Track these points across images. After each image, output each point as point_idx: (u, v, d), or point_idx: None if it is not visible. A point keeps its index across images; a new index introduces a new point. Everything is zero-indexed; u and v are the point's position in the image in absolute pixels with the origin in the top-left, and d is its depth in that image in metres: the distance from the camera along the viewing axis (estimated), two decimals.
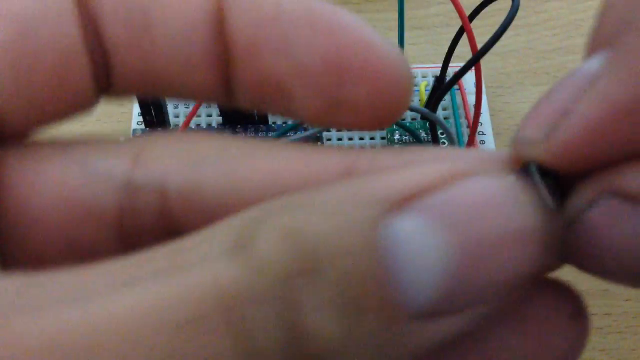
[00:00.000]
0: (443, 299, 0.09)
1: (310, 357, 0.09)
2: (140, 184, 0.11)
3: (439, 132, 0.30)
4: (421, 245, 0.09)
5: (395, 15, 0.27)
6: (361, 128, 0.12)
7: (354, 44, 0.11)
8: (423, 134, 0.31)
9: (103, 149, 0.12)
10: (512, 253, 0.09)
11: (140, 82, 0.12)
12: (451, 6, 0.25)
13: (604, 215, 0.10)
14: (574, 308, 0.11)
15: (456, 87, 0.33)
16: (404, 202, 0.09)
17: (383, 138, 0.32)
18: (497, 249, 0.09)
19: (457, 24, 0.26)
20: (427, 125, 0.31)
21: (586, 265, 0.11)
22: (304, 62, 0.11)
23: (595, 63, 0.10)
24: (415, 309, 0.09)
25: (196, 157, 0.11)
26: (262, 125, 0.32)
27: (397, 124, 0.30)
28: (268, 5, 0.11)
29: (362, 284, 0.09)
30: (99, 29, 0.11)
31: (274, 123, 0.32)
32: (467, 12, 0.25)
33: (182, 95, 0.12)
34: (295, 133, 0.30)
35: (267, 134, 0.32)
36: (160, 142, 0.12)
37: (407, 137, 0.31)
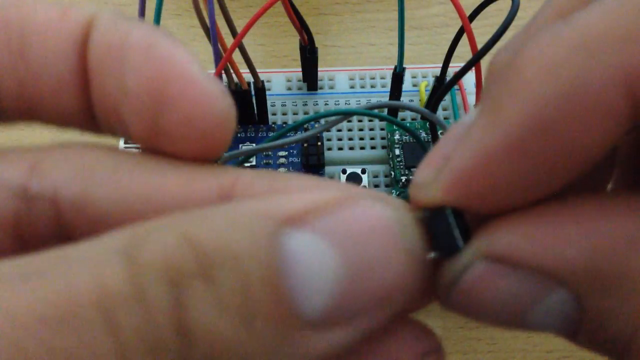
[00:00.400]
0: (332, 308, 0.10)
1: (205, 359, 0.09)
2: (34, 193, 0.12)
3: (439, 132, 0.30)
4: (314, 259, 0.10)
5: (395, 15, 0.27)
6: (185, 155, 0.12)
7: (177, 76, 0.12)
8: (423, 134, 0.31)
9: (1, 158, 0.12)
10: (390, 272, 0.10)
11: (18, 106, 0.12)
12: (451, 6, 0.25)
13: (477, 277, 0.11)
14: (426, 347, 0.12)
15: (456, 87, 0.33)
16: (298, 219, 0.10)
17: (383, 138, 0.32)
18: (377, 267, 0.10)
19: (457, 24, 0.26)
20: (427, 125, 0.31)
21: (468, 315, 0.12)
22: (129, 87, 0.12)
23: (473, 114, 0.12)
24: (308, 316, 0.10)
25: (88, 169, 0.12)
26: (262, 126, 0.32)
27: (397, 124, 0.30)
28: (117, 34, 0.12)
29: (259, 290, 0.09)
30: None
31: (274, 123, 0.32)
32: (467, 12, 0.25)
33: (58, 122, 0.13)
34: (295, 133, 0.30)
35: (267, 134, 0.32)
36: (56, 153, 0.12)
37: (407, 137, 0.31)
